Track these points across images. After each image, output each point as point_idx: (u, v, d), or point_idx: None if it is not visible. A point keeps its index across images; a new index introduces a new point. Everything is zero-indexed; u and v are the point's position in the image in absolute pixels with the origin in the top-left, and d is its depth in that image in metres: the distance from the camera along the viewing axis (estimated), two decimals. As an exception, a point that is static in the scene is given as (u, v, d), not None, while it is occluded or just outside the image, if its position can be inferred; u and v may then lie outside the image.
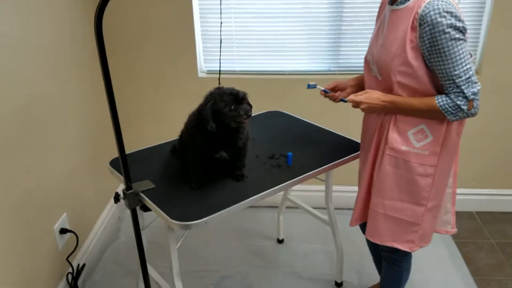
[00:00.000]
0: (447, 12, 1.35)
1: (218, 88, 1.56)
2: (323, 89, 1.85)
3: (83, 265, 2.25)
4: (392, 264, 1.80)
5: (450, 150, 1.57)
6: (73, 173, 2.25)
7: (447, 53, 1.38)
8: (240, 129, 1.61)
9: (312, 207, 2.30)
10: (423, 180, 1.56)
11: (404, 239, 1.65)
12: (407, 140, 1.55)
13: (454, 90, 1.42)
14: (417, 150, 1.55)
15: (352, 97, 1.60)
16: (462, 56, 1.39)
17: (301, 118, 2.25)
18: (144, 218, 1.79)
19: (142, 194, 1.62)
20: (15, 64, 1.76)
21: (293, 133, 2.09)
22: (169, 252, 1.65)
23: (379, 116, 1.63)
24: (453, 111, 1.44)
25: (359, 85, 1.85)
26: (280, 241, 2.60)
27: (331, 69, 2.65)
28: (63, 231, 2.10)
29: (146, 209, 1.68)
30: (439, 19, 1.35)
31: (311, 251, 2.52)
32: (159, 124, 2.80)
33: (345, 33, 2.56)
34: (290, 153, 1.80)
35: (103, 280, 2.32)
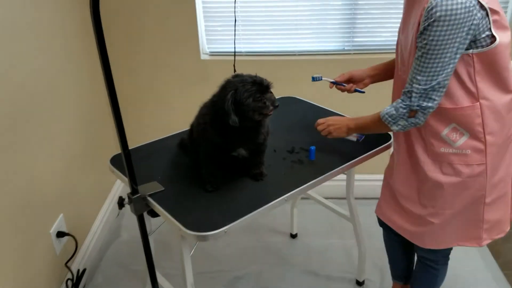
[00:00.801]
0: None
1: (237, 76, 1.36)
2: (331, 81, 1.65)
3: (84, 270, 2.07)
4: (428, 266, 1.64)
5: (501, 143, 1.38)
6: (68, 169, 2.04)
7: (426, 48, 1.22)
8: (261, 122, 1.41)
9: (327, 197, 2.13)
10: (475, 181, 1.37)
11: (470, 237, 1.49)
12: (444, 142, 1.37)
13: (405, 93, 1.31)
14: (456, 150, 1.36)
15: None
16: (439, 61, 1.21)
17: (318, 105, 2.05)
18: (151, 219, 1.60)
19: (149, 198, 1.43)
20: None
21: (311, 122, 1.87)
22: (182, 262, 1.47)
23: None
24: (393, 120, 1.34)
25: (381, 75, 1.66)
26: (294, 236, 2.43)
27: (346, 48, 2.43)
28: (60, 234, 1.91)
29: (154, 214, 1.48)
30: (443, 7, 1.15)
31: (328, 246, 2.35)
32: (159, 113, 2.57)
33: (361, 8, 2.33)
34: (312, 147, 1.60)
35: (106, 283, 2.14)
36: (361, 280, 2.11)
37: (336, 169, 1.54)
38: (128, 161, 1.38)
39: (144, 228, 1.49)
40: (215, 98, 1.39)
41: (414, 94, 1.27)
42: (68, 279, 1.96)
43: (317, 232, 2.45)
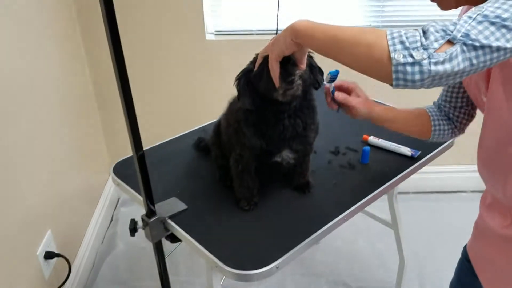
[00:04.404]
0: None
1: None
2: (332, 89, 1.13)
3: (78, 295, 1.75)
4: None
5: None
6: (54, 173, 1.69)
7: None
8: (311, 114, 1.10)
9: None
10: None
11: None
12: None
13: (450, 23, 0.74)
14: None
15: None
16: None
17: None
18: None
19: (170, 221, 1.11)
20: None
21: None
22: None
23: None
24: (403, 43, 0.71)
25: (400, 121, 1.16)
26: (316, 240, 2.15)
27: (372, 24, 2.12)
28: (48, 255, 1.58)
29: (174, 239, 1.17)
30: None
31: (355, 251, 2.08)
32: (160, 105, 2.20)
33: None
34: (366, 148, 1.30)
35: (104, 305, 1.83)
36: (399, 292, 1.85)
37: (401, 174, 1.25)
38: (143, 174, 1.06)
39: (162, 256, 1.18)
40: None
41: (465, 19, 0.72)
42: (60, 306, 1.64)
43: (341, 234, 2.17)
